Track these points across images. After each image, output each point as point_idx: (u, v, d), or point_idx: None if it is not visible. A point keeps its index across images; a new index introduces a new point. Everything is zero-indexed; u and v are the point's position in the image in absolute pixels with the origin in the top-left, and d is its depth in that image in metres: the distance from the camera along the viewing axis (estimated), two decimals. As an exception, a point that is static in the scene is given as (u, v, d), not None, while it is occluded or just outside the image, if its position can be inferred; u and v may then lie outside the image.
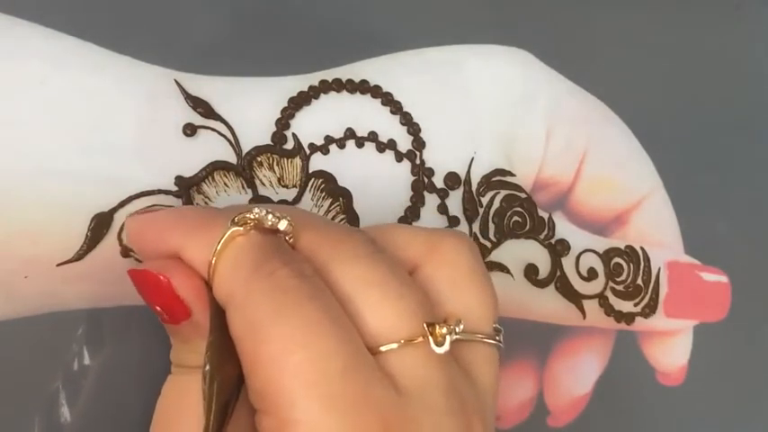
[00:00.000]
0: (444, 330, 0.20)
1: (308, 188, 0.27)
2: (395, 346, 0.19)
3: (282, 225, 0.20)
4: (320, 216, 0.26)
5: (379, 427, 0.18)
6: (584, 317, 0.31)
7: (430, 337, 0.19)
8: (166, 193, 0.24)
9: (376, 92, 0.28)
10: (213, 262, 0.19)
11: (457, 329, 0.20)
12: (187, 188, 0.25)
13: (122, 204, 0.24)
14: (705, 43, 0.37)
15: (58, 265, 0.23)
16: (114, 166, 0.24)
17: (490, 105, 0.30)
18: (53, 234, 0.23)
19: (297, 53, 0.28)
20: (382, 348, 0.19)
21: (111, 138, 0.24)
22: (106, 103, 0.24)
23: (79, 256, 0.23)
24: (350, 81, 0.28)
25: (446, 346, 0.19)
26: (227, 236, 0.19)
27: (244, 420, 0.20)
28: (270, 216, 0.20)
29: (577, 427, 0.31)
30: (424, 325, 0.20)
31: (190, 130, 0.25)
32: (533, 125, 0.31)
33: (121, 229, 0.24)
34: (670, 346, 0.33)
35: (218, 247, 0.19)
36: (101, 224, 0.24)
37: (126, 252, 0.24)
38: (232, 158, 0.26)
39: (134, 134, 0.24)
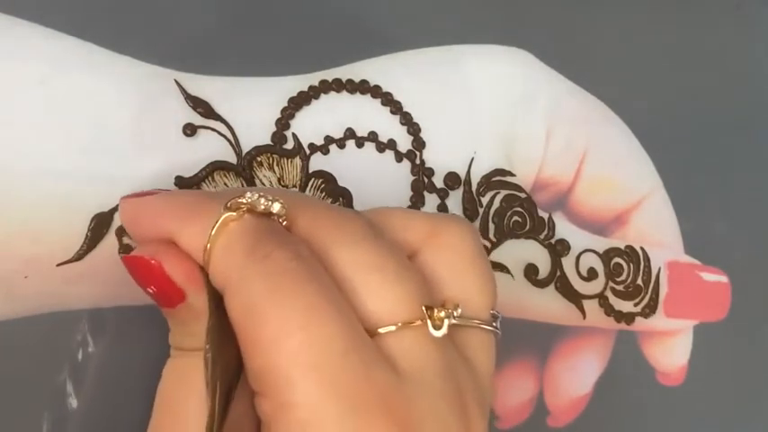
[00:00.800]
0: (442, 314, 0.20)
1: (308, 188, 0.27)
2: (393, 328, 0.19)
3: (275, 208, 0.20)
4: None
5: (379, 409, 0.18)
6: (584, 317, 0.31)
7: (428, 321, 0.19)
8: (166, 193, 0.24)
9: (376, 92, 0.28)
10: (208, 248, 0.19)
11: (455, 314, 0.20)
12: (187, 188, 0.25)
13: (122, 204, 0.24)
14: (705, 43, 0.37)
15: (58, 265, 0.23)
16: (114, 166, 0.24)
17: (490, 105, 0.30)
18: (53, 234, 0.23)
19: (297, 53, 0.28)
20: (380, 331, 0.19)
21: (111, 138, 0.24)
22: (106, 103, 0.24)
23: (79, 256, 0.23)
24: (350, 81, 0.28)
25: (444, 330, 0.19)
26: (219, 222, 0.19)
27: (243, 403, 0.20)
28: (262, 200, 0.20)
29: (577, 427, 0.31)
30: (423, 308, 0.20)
31: (190, 130, 0.25)
32: (533, 125, 0.31)
33: (121, 228, 0.24)
34: (670, 346, 0.33)
35: (212, 234, 0.19)
36: (101, 224, 0.24)
37: (126, 252, 0.24)
38: (232, 158, 0.26)
39: (134, 134, 0.24)
